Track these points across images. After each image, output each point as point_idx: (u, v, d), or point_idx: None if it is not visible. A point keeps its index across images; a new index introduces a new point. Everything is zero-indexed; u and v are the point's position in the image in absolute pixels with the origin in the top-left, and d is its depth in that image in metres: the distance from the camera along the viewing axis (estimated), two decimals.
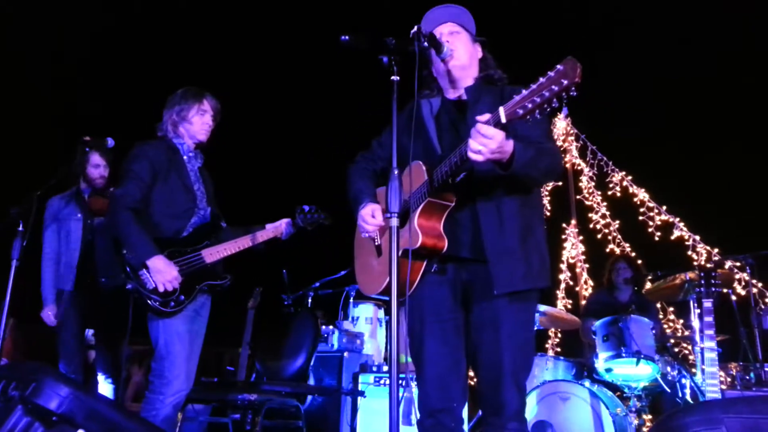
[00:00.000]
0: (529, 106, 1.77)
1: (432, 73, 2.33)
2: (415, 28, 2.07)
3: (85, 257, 3.88)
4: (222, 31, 7.29)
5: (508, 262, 2.08)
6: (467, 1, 2.36)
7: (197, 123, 3.08)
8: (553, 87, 1.72)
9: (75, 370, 3.78)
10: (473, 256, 2.14)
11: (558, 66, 1.72)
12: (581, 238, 6.89)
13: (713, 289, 3.55)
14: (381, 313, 5.17)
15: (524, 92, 1.78)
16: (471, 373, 2.28)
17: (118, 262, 2.82)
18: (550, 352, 6.53)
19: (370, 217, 2.28)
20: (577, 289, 6.74)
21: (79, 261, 3.87)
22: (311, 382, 4.48)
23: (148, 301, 2.77)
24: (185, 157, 3.07)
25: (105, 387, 3.90)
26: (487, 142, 1.85)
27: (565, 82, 1.70)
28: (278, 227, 3.24)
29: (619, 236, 6.63)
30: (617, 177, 6.64)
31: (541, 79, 1.74)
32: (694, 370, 4.19)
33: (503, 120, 1.83)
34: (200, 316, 2.96)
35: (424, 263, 2.17)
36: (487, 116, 1.86)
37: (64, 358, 3.80)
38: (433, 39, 2.15)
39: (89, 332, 4.11)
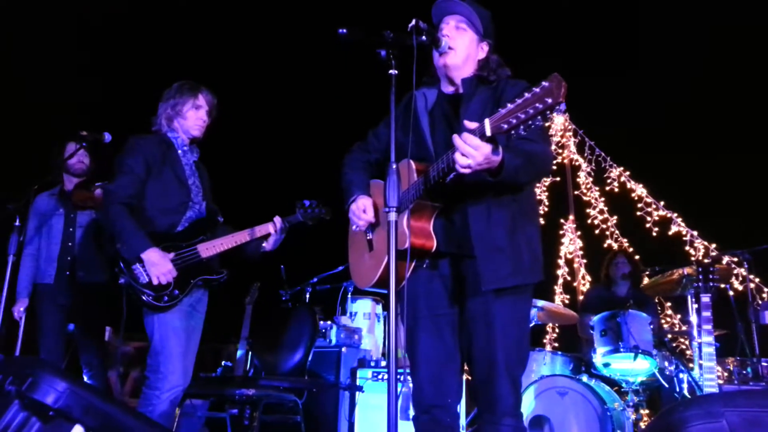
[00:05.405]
0: (513, 121, 1.71)
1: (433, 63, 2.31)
2: (413, 21, 2.05)
3: (66, 252, 3.87)
4: (219, 25, 7.26)
5: (496, 258, 2.06)
6: None
7: (191, 118, 3.04)
8: (537, 105, 1.66)
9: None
10: (463, 253, 2.13)
11: (543, 83, 1.66)
12: (579, 233, 6.89)
13: (711, 284, 3.55)
14: (379, 309, 5.17)
15: (510, 106, 1.72)
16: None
17: (108, 257, 2.79)
18: (548, 347, 6.53)
19: (362, 212, 2.29)
20: (575, 284, 6.74)
21: (59, 255, 3.86)
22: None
23: (142, 296, 2.75)
24: (180, 151, 3.04)
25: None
26: (473, 153, 1.81)
27: (549, 101, 1.64)
28: (272, 225, 3.17)
29: (617, 231, 6.64)
30: (615, 172, 6.63)
31: (527, 95, 1.68)
32: (691, 365, 4.19)
33: (488, 133, 1.78)
34: (197, 311, 2.95)
35: (414, 262, 2.17)
36: (474, 125, 1.82)
37: (43, 353, 3.78)
38: (432, 33, 2.12)
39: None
